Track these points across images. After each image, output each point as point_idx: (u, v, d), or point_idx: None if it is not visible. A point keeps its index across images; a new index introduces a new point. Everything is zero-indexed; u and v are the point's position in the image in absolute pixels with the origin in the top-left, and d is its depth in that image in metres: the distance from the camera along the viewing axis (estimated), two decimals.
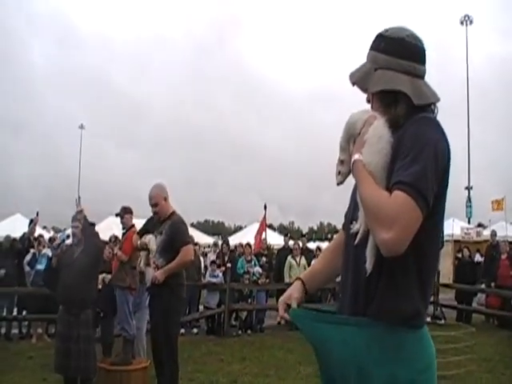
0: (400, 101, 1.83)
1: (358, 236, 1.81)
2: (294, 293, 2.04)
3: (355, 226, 1.85)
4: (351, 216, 1.92)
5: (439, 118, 1.85)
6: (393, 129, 1.78)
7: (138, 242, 6.02)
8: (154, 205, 5.39)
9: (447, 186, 1.76)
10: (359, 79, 1.91)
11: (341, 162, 1.88)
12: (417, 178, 1.61)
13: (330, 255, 2.17)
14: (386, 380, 1.69)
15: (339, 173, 1.89)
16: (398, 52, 1.85)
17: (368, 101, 1.95)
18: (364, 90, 1.94)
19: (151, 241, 5.68)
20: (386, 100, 1.85)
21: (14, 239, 10.91)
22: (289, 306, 2.01)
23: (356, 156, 1.76)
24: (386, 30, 1.91)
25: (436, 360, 1.82)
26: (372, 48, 1.92)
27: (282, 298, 2.06)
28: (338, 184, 1.90)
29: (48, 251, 10.48)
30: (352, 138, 1.84)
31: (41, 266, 10.04)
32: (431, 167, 1.64)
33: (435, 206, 1.69)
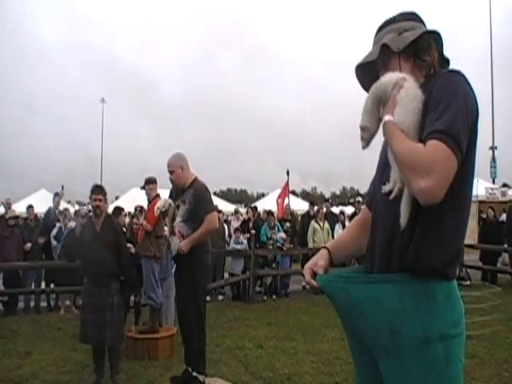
0: (432, 45, 1.92)
1: (393, 193, 1.83)
2: (319, 260, 2.06)
3: (387, 186, 1.87)
4: (382, 179, 1.94)
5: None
6: (423, 85, 1.83)
7: (156, 210, 6.01)
8: (170, 172, 5.39)
9: (477, 135, 1.78)
10: (388, 40, 1.92)
11: (362, 129, 1.90)
12: (449, 125, 1.64)
13: (357, 229, 2.19)
14: (418, 334, 1.72)
15: (362, 138, 1.91)
16: (416, 18, 2.01)
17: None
18: (391, 55, 1.93)
19: (160, 202, 5.68)
20: (419, 49, 1.91)
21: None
22: (315, 273, 2.02)
23: (386, 117, 1.78)
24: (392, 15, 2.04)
25: (465, 314, 1.84)
26: (386, 26, 2.02)
27: (307, 265, 2.07)
28: (363, 148, 1.93)
29: (74, 224, 10.60)
30: (382, 101, 1.85)
31: None
32: (462, 114, 1.68)
33: (468, 155, 1.72)
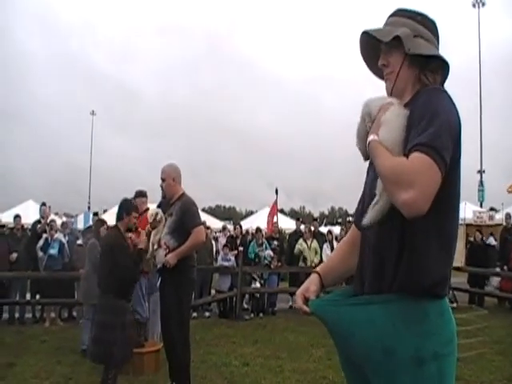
0: (439, 72, 1.93)
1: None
2: (311, 285, 2.06)
3: (374, 201, 1.85)
4: (371, 196, 1.91)
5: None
6: (409, 103, 1.85)
7: (149, 218, 5.94)
8: (162, 179, 5.46)
9: (460, 152, 1.78)
10: (403, 35, 1.87)
11: (359, 149, 1.94)
12: (432, 138, 1.63)
13: (347, 249, 2.18)
14: (411, 354, 1.71)
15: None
16: (433, 30, 1.97)
17: (383, 65, 1.98)
18: (398, 48, 1.89)
19: (153, 212, 5.64)
20: (426, 66, 1.90)
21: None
22: (306, 299, 2.01)
23: (371, 137, 1.79)
24: (415, 9, 1.99)
25: (456, 335, 1.84)
26: (407, 17, 1.96)
27: (299, 291, 2.06)
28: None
29: (60, 236, 10.54)
30: (369, 122, 1.87)
31: (53, 251, 10.13)
32: (445, 129, 1.67)
33: (452, 172, 1.73)
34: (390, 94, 1.96)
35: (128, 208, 5.42)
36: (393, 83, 1.94)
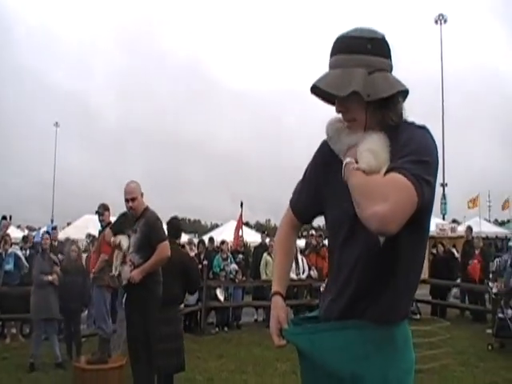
0: (400, 101, 1.80)
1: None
2: (279, 313, 1.93)
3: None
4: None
5: (413, 115, 1.84)
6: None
7: (111, 239, 5.88)
8: (131, 199, 5.29)
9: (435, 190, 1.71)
10: (361, 86, 1.69)
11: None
12: (413, 167, 1.54)
13: (287, 244, 2.15)
14: (378, 380, 1.72)
15: None
16: (385, 52, 1.80)
17: (339, 111, 1.82)
18: (365, 96, 1.70)
19: (123, 240, 5.57)
20: (387, 106, 1.75)
21: None
22: (281, 329, 1.90)
23: (347, 159, 1.68)
24: (361, 31, 1.78)
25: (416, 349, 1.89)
26: (357, 51, 1.75)
27: (272, 326, 1.93)
28: None
29: (16, 249, 10.27)
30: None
31: (9, 266, 9.80)
32: (428, 163, 1.60)
33: (431, 206, 1.72)
34: None
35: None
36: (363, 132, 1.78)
